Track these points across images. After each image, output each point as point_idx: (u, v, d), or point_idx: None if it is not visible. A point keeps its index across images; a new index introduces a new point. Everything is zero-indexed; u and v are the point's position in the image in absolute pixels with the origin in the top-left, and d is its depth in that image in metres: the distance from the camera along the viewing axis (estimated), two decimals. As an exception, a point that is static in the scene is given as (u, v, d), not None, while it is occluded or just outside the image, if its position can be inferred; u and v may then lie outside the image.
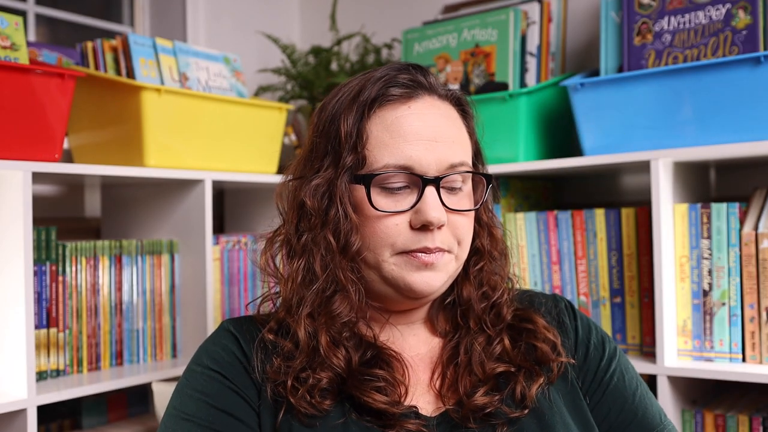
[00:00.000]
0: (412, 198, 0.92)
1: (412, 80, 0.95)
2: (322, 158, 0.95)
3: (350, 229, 0.92)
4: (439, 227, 0.92)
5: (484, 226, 1.02)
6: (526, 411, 0.93)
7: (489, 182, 0.98)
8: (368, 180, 0.91)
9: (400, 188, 0.92)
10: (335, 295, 0.92)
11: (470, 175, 0.97)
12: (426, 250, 0.91)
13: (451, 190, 0.95)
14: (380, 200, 0.91)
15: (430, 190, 0.91)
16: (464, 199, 0.96)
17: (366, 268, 0.93)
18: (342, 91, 0.97)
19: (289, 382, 0.89)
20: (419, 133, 0.92)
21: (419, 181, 0.91)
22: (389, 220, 0.91)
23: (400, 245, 0.91)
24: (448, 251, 0.94)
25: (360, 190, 0.92)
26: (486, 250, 1.01)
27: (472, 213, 0.98)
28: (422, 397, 0.95)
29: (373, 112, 0.93)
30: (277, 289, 1.00)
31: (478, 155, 1.03)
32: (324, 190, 0.93)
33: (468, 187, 0.97)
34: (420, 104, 0.94)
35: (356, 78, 0.98)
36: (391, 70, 0.96)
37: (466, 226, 0.96)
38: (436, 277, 0.93)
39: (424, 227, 0.91)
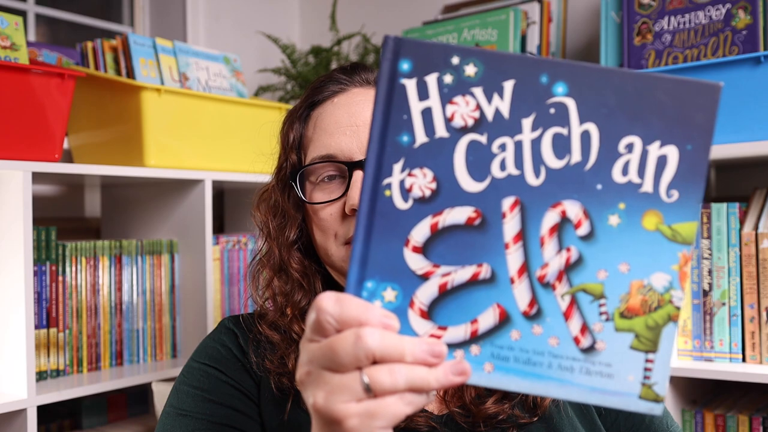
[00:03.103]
0: (344, 187, 0.91)
1: (346, 78, 0.97)
2: (278, 168, 1.00)
3: (297, 225, 0.95)
4: None
5: None
6: (535, 418, 0.92)
7: None
8: (294, 176, 0.94)
9: (331, 180, 0.92)
10: (301, 290, 0.95)
11: None
12: None
13: None
14: (316, 195, 0.93)
15: (357, 173, 0.90)
16: None
17: (327, 267, 0.94)
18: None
19: (293, 373, 0.90)
20: (339, 122, 0.92)
21: (346, 169, 0.91)
22: (324, 211, 0.91)
23: (341, 235, 0.91)
24: None
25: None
26: None
27: None
28: None
29: (308, 116, 0.97)
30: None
31: None
32: (274, 196, 0.98)
33: None
34: (346, 97, 0.95)
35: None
36: (326, 76, 0.99)
37: None
38: None
39: (354, 211, 0.89)
